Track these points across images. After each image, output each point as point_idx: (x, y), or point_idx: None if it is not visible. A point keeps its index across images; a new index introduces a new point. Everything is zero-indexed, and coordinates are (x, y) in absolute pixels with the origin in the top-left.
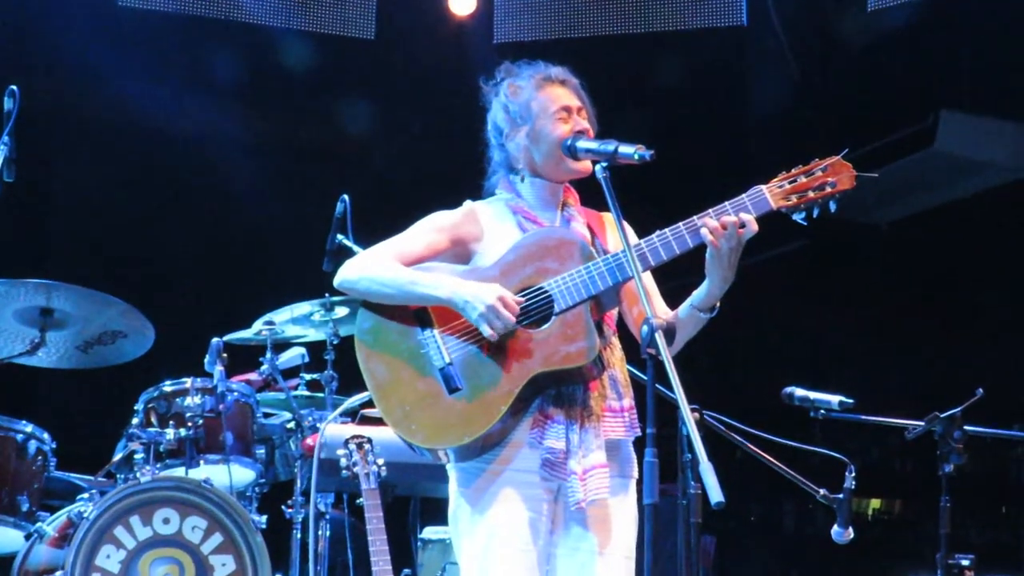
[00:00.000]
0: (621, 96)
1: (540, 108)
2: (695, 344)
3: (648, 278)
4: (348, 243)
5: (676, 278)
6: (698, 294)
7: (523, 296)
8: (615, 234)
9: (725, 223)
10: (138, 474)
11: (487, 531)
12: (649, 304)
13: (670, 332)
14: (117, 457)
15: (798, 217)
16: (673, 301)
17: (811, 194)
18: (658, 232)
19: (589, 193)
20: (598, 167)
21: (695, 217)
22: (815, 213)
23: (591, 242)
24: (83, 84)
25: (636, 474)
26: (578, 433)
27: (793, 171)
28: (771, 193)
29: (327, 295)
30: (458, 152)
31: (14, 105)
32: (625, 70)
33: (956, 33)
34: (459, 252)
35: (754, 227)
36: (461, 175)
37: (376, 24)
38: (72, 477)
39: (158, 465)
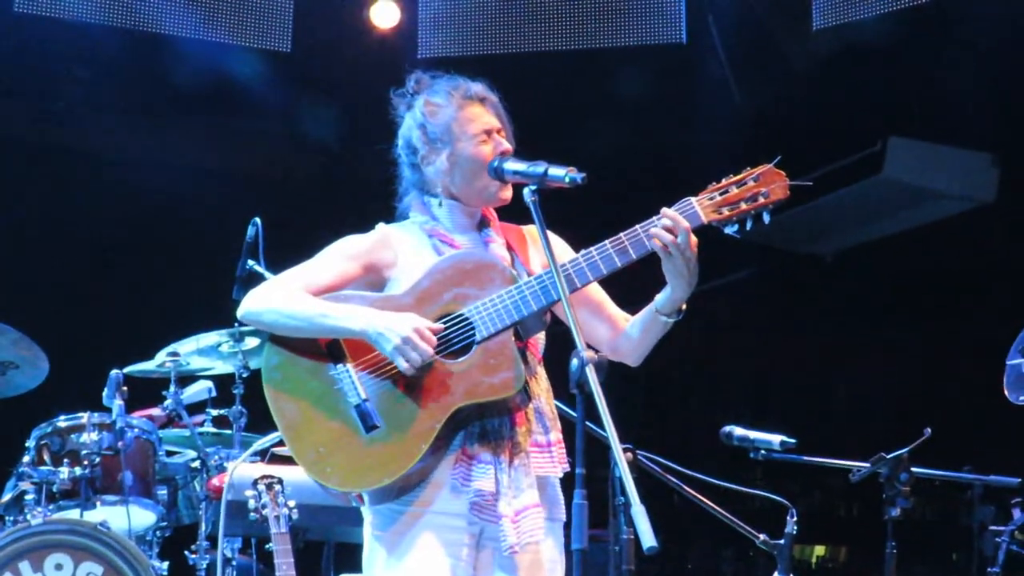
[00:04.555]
0: (555, 114)
1: (460, 130)
2: (629, 379)
3: (597, 288)
4: (260, 269)
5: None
6: (661, 298)
7: (442, 325)
8: (537, 248)
9: (675, 230)
10: (29, 516)
11: None
12: (579, 335)
13: (601, 366)
14: (6, 498)
15: (730, 230)
16: None
17: (743, 205)
18: (583, 251)
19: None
20: (526, 190)
21: (622, 234)
22: (748, 225)
23: (511, 263)
24: None
25: (564, 517)
26: (507, 472)
27: (724, 181)
28: (701, 206)
29: (236, 325)
30: (377, 172)
31: None
32: (561, 86)
33: (904, 59)
34: (372, 279)
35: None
36: (380, 195)
37: (292, 36)
38: None
39: (51, 506)
